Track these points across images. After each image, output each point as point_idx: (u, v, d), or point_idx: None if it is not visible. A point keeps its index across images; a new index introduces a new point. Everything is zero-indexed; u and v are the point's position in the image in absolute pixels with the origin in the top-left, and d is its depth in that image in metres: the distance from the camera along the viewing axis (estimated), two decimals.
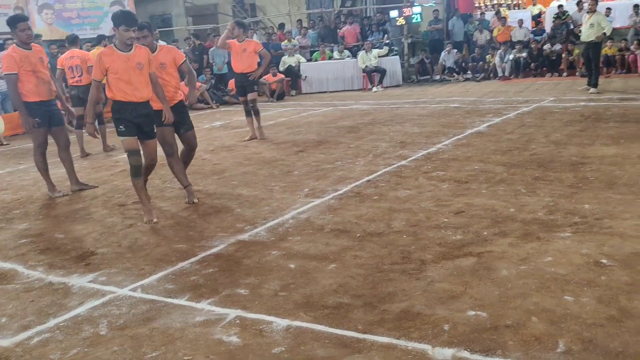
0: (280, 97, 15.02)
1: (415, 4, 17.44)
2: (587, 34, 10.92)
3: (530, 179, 5.21)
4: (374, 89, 15.23)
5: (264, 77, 15.65)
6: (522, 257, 3.50)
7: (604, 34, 11.01)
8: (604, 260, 3.33)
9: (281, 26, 18.42)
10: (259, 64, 8.52)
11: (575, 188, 4.80)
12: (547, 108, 9.46)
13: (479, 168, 5.75)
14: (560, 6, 16.40)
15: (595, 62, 11.15)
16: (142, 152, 4.93)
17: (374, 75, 15.54)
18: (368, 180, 5.63)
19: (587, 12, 11.07)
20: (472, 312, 2.87)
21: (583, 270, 3.23)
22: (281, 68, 15.90)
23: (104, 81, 4.77)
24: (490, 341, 2.59)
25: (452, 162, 6.09)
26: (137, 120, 4.76)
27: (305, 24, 18.75)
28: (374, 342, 2.68)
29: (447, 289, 3.16)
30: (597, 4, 11.26)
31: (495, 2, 19.71)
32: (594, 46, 11.01)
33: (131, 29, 4.62)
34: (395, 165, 6.15)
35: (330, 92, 15.73)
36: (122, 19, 4.61)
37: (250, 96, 8.45)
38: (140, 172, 4.90)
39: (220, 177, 6.31)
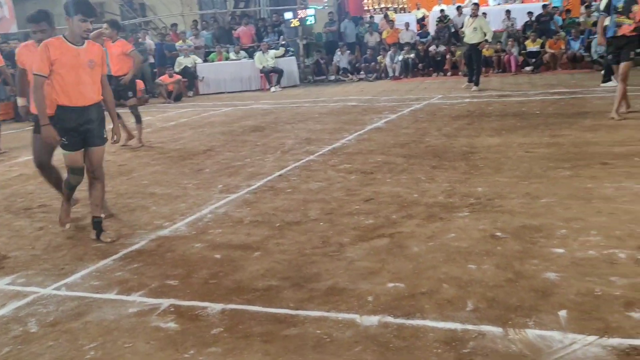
0: (178, 98, 14.83)
1: (308, 6, 17.90)
2: (470, 36, 11.85)
3: (429, 167, 5.68)
4: (272, 89, 15.47)
5: (160, 77, 15.38)
6: (428, 235, 3.88)
7: (486, 40, 12.04)
8: (498, 233, 3.79)
9: (174, 26, 18.13)
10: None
11: (468, 174, 5.32)
12: (436, 105, 10.18)
13: (381, 160, 6.16)
14: (442, 10, 17.56)
15: (477, 63, 12.14)
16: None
17: (272, 75, 15.77)
18: (280, 175, 5.85)
19: (470, 16, 12.01)
20: (392, 284, 3.18)
21: (482, 243, 3.66)
22: (177, 69, 15.69)
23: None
24: (410, 307, 2.91)
25: (357, 156, 6.46)
26: (84, 128, 4.13)
27: (199, 25, 18.60)
28: (306, 316, 2.90)
29: (366, 267, 3.45)
30: (478, 8, 12.26)
31: (383, 5, 20.69)
32: (477, 48, 11.98)
33: (89, 20, 4.02)
34: (304, 160, 6.41)
35: (228, 92, 15.76)
36: (78, 7, 3.99)
37: (128, 102, 7.85)
38: (75, 188, 4.44)
39: (129, 178, 6.25)
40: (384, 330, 2.71)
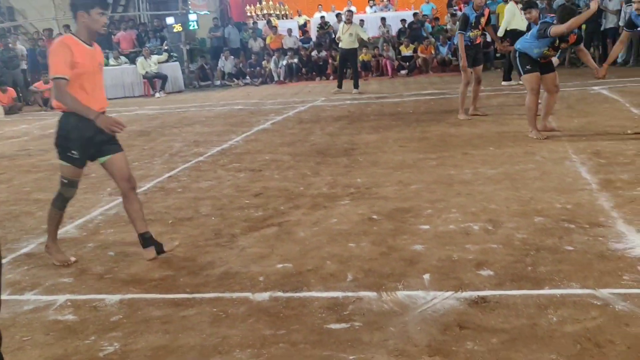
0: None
1: (190, 11, 17.85)
2: (347, 42, 12.50)
3: (313, 164, 6.07)
4: (157, 94, 15.28)
5: (34, 84, 14.66)
6: (313, 221, 4.23)
7: (366, 46, 12.79)
8: (374, 216, 4.23)
9: (47, 31, 17.29)
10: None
11: (349, 168, 5.76)
12: (320, 107, 10.68)
13: (269, 158, 6.46)
14: (322, 17, 18.27)
15: (354, 67, 12.83)
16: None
17: (156, 81, 15.57)
18: (169, 176, 5.96)
19: (345, 23, 12.67)
20: (280, 265, 3.48)
21: (360, 225, 4.07)
22: None
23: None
24: (297, 282, 3.23)
25: (245, 155, 6.72)
26: (99, 138, 3.55)
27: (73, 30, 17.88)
28: (202, 298, 3.12)
29: (257, 252, 3.73)
30: (352, 15, 12.96)
31: (265, 12, 21.07)
32: (353, 53, 12.67)
33: (106, 13, 3.55)
34: (193, 162, 6.56)
35: (110, 99, 15.30)
36: None
37: None
38: (66, 205, 3.83)
39: (9, 185, 6.06)
40: (274, 303, 3.01)
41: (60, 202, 3.77)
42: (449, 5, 19.29)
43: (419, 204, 4.40)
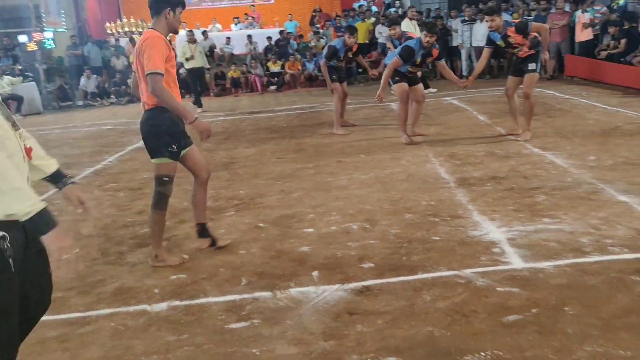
0: None
1: (45, 28, 16.92)
2: (199, 60, 12.71)
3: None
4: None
5: None
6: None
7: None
8: (261, 224, 4.44)
9: None
10: None
11: (230, 181, 5.93)
12: None
13: (147, 176, 6.41)
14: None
15: (201, 86, 13.15)
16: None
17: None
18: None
19: (189, 42, 12.70)
20: (174, 276, 3.58)
21: (248, 233, 4.26)
22: None
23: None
24: (194, 290, 3.35)
25: (122, 175, 6.62)
26: (183, 132, 3.72)
27: None
28: (98, 315, 3.14)
29: (149, 267, 3.78)
30: (194, 34, 13.12)
31: (127, 29, 20.49)
32: (203, 71, 12.97)
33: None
34: None
35: None
36: None
37: None
38: (167, 203, 3.84)
39: None
40: (173, 312, 3.11)
41: (164, 203, 3.78)
42: (312, 23, 20.12)
43: (302, 210, 4.69)
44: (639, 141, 6.10)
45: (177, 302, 3.21)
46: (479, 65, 7.19)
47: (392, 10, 18.54)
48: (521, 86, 6.63)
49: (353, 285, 3.23)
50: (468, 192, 4.80)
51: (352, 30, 8.22)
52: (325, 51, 8.27)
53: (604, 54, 11.48)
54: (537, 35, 6.32)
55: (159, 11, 3.43)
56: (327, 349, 2.61)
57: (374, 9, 18.99)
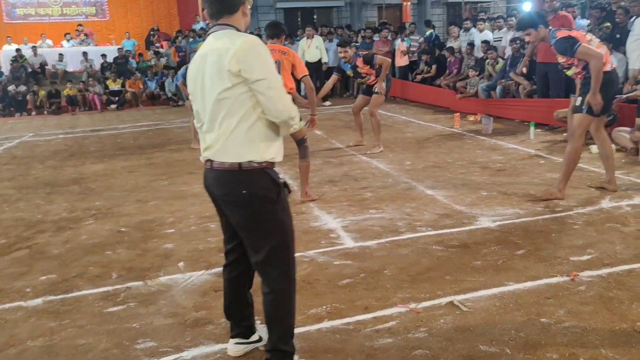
0: None
1: None
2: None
3: (44, 194, 6.18)
4: None
5: None
6: (64, 240, 4.56)
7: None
8: (123, 229, 4.76)
9: None
10: None
11: (84, 194, 6.08)
12: (31, 142, 10.33)
13: None
14: (18, 50, 17.20)
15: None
16: None
17: None
18: None
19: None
20: (44, 277, 3.80)
21: (112, 237, 4.57)
22: None
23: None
24: (66, 287, 3.62)
25: None
26: None
27: None
28: None
29: (15, 271, 3.94)
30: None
31: None
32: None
33: None
34: None
35: None
36: None
37: None
38: None
39: None
40: (50, 305, 3.38)
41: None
42: (148, 42, 20.06)
43: (161, 215, 5.08)
44: (444, 149, 7.36)
45: (52, 297, 3.48)
46: (324, 88, 7.75)
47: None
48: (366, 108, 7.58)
49: (215, 270, 3.74)
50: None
51: None
52: (182, 70, 8.55)
53: (419, 77, 13.21)
54: (380, 65, 7.24)
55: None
56: (198, 317, 3.11)
57: None
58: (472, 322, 2.84)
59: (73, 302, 3.39)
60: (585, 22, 9.29)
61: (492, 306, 3.00)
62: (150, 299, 3.36)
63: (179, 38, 18.65)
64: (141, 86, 16.55)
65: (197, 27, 19.83)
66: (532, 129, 7.77)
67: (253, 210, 2.30)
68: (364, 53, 7.56)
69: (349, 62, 7.35)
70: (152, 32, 20.98)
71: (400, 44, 14.06)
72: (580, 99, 4.75)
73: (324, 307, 3.12)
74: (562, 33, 4.66)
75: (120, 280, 3.69)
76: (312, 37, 14.33)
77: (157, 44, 19.63)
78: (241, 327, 2.68)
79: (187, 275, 3.70)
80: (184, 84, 8.33)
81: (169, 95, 16.15)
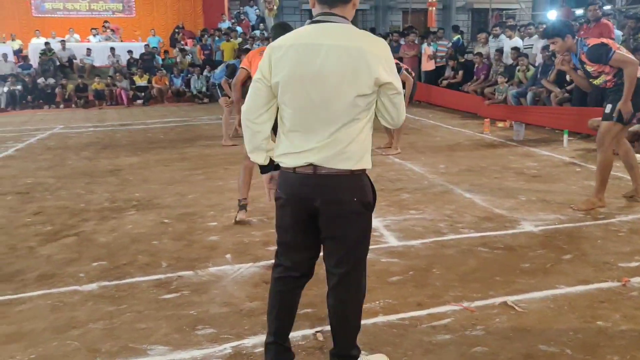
0: None
1: None
2: None
3: (83, 184, 6.29)
4: None
5: None
6: (109, 229, 4.64)
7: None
8: (166, 220, 4.84)
9: None
10: None
11: (122, 185, 6.17)
12: (62, 134, 10.49)
13: (32, 182, 6.43)
14: (47, 43, 17.45)
15: None
16: None
17: None
18: None
19: None
20: (95, 264, 3.88)
21: (155, 228, 4.64)
22: None
23: None
24: (118, 273, 3.70)
25: (1, 180, 6.52)
26: None
27: None
28: (30, 296, 3.38)
29: (66, 257, 4.03)
30: None
31: None
32: None
33: None
34: None
35: None
36: None
37: None
38: None
39: None
40: (105, 290, 3.45)
41: None
42: (173, 39, 20.22)
43: (201, 209, 5.15)
44: (476, 154, 7.38)
45: (106, 283, 3.55)
46: None
47: (258, 32, 19.37)
48: None
49: (263, 263, 3.80)
50: None
51: (247, 51, 8.82)
52: (223, 68, 8.64)
53: (445, 82, 13.22)
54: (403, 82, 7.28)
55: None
56: (253, 307, 3.16)
57: (239, 29, 19.64)
58: (527, 323, 2.87)
59: (127, 288, 3.46)
60: (619, 32, 9.24)
61: (545, 308, 3.02)
62: (202, 288, 3.42)
63: (205, 36, 18.81)
64: (167, 82, 16.72)
65: (223, 25, 20.01)
66: (565, 136, 7.75)
67: (358, 218, 2.18)
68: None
69: None
70: (177, 30, 21.17)
71: (427, 49, 14.08)
72: (610, 106, 4.70)
73: (377, 302, 3.15)
74: (594, 40, 4.65)
75: (170, 269, 3.75)
76: None
77: (182, 42, 19.80)
78: (286, 341, 2.44)
79: (235, 267, 3.75)
80: (228, 82, 8.41)
81: (194, 92, 16.31)
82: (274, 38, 5.33)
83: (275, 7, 20.91)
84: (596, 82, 4.77)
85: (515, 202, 5.05)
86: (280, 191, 2.24)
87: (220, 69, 8.81)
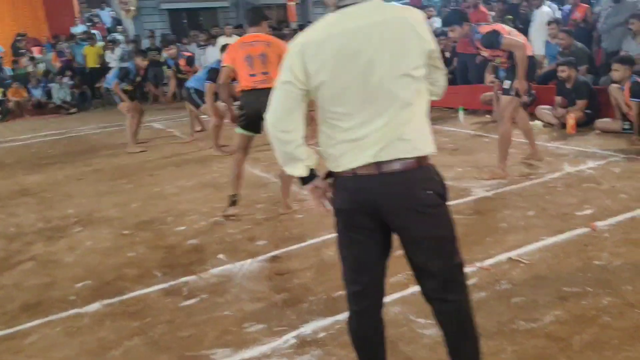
0: None
1: None
2: None
3: None
4: None
5: None
6: (67, 248, 4.29)
7: None
8: (125, 232, 4.55)
9: None
10: None
11: (46, 204, 5.65)
12: None
13: None
14: None
15: None
16: None
17: None
18: None
19: None
20: (79, 284, 3.59)
21: (120, 239, 4.37)
22: None
23: None
24: (113, 289, 3.47)
25: None
26: None
27: None
28: (30, 327, 3.08)
29: (38, 283, 3.68)
30: None
31: None
32: None
33: None
34: None
35: None
36: None
37: None
38: None
39: None
40: (112, 307, 3.24)
41: None
42: (18, 49, 18.48)
43: (156, 216, 4.92)
44: None
45: (109, 300, 3.32)
46: None
47: (115, 35, 18.35)
48: None
49: (261, 257, 3.78)
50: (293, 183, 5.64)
51: (144, 53, 8.40)
52: (115, 72, 8.16)
53: None
54: None
55: None
56: (284, 298, 3.16)
57: (95, 33, 18.45)
58: (540, 272, 3.21)
59: (136, 302, 3.27)
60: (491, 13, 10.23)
61: (546, 257, 3.40)
62: (219, 290, 3.34)
63: (60, 43, 17.48)
64: (25, 94, 15.29)
65: (76, 30, 18.67)
66: (461, 113, 8.44)
67: (438, 213, 1.93)
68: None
69: None
70: (18, 38, 19.38)
71: None
72: (508, 82, 5.20)
73: (399, 275, 3.30)
74: (485, 28, 5.15)
75: (170, 277, 3.59)
76: (230, 35, 14.18)
77: (26, 50, 18.14)
78: None
79: (236, 265, 3.69)
80: (119, 84, 7.95)
81: (58, 102, 15.12)
82: (249, 25, 4.96)
83: (132, 8, 20.07)
84: (495, 63, 5.27)
85: (455, 174, 5.46)
86: (339, 202, 1.96)
87: (114, 71, 8.34)
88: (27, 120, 14.39)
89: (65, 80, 15.47)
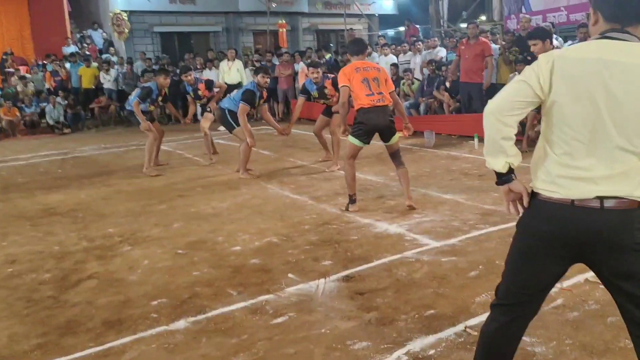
0: None
1: None
2: None
3: (28, 227, 5.57)
4: None
5: None
6: (126, 267, 4.24)
7: None
8: (179, 251, 4.53)
9: None
10: None
11: (81, 223, 5.57)
12: None
13: None
14: None
15: None
16: None
17: None
18: None
19: None
20: (155, 302, 3.56)
21: (178, 259, 4.34)
22: None
23: None
24: (194, 307, 3.44)
25: None
26: None
27: None
28: (122, 344, 3.03)
29: (110, 300, 3.63)
30: None
31: None
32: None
33: None
34: None
35: None
36: None
37: None
38: None
39: None
40: (200, 325, 3.22)
41: None
42: (3, 67, 18.21)
43: (205, 236, 4.90)
44: (408, 161, 7.90)
45: (193, 318, 3.30)
46: (295, 113, 7.97)
47: (106, 56, 18.24)
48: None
49: (333, 277, 3.81)
50: (329, 205, 5.70)
51: (167, 72, 8.40)
52: (137, 92, 8.12)
53: None
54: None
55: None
56: (376, 317, 3.19)
57: (89, 54, 18.34)
58: None
59: (223, 320, 3.26)
60: (496, 46, 10.54)
61: None
62: (304, 308, 3.35)
63: (56, 62, 17.30)
64: (17, 114, 15.04)
65: (67, 50, 18.52)
66: (476, 139, 8.65)
67: None
68: (332, 76, 7.79)
69: (318, 83, 7.63)
70: (5, 57, 19.12)
71: (304, 67, 14.56)
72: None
73: (484, 295, 3.37)
74: None
75: (247, 296, 3.59)
76: (234, 59, 14.39)
77: (11, 69, 17.89)
78: None
79: (310, 284, 3.71)
80: (139, 104, 7.90)
81: (51, 122, 14.93)
82: (353, 54, 5.56)
83: (126, 31, 20.04)
84: None
85: (494, 198, 5.59)
86: (538, 225, 1.96)
87: (136, 91, 8.28)
88: (20, 140, 14.15)
89: (59, 100, 15.28)
